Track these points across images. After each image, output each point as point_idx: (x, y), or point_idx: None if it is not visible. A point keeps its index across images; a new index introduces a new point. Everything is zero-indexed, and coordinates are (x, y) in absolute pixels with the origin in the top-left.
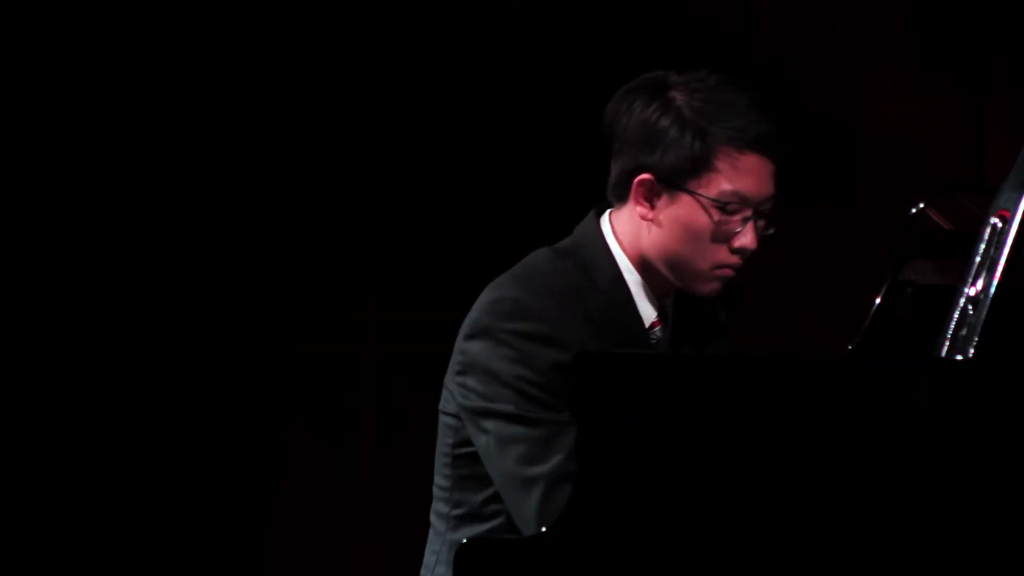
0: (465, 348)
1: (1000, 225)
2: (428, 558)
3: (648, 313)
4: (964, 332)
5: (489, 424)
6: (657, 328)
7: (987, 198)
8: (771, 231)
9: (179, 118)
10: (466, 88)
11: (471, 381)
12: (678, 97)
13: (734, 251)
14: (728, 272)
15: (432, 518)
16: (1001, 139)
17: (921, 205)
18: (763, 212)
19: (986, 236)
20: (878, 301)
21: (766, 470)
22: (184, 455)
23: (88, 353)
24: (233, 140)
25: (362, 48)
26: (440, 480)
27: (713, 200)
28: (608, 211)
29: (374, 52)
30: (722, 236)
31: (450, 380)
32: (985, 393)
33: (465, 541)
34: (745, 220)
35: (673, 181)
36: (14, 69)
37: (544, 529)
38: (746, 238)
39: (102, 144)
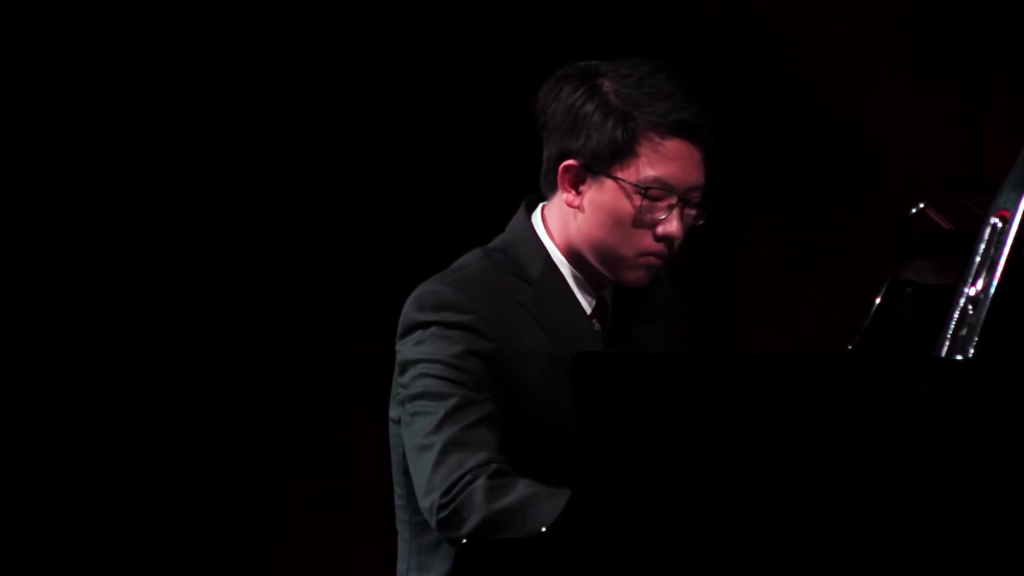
0: (399, 348)
1: (1000, 225)
2: (400, 566)
3: (585, 306)
4: (964, 332)
5: (410, 407)
6: (594, 320)
7: (987, 198)
8: (700, 221)
9: (179, 118)
10: (466, 88)
11: (404, 377)
12: (605, 83)
13: (658, 238)
14: (653, 260)
15: (398, 526)
16: (1001, 139)
17: (921, 205)
18: (690, 201)
19: (986, 236)
20: (878, 301)
21: (766, 470)
22: (184, 455)
23: (88, 353)
24: (233, 140)
25: (362, 48)
26: (397, 488)
27: (635, 185)
28: (541, 204)
29: (374, 52)
30: (646, 223)
31: (394, 384)
32: (985, 393)
33: (465, 541)
34: (670, 207)
35: (596, 166)
36: (14, 69)
37: (438, 492)
38: (670, 225)
39: (102, 144)
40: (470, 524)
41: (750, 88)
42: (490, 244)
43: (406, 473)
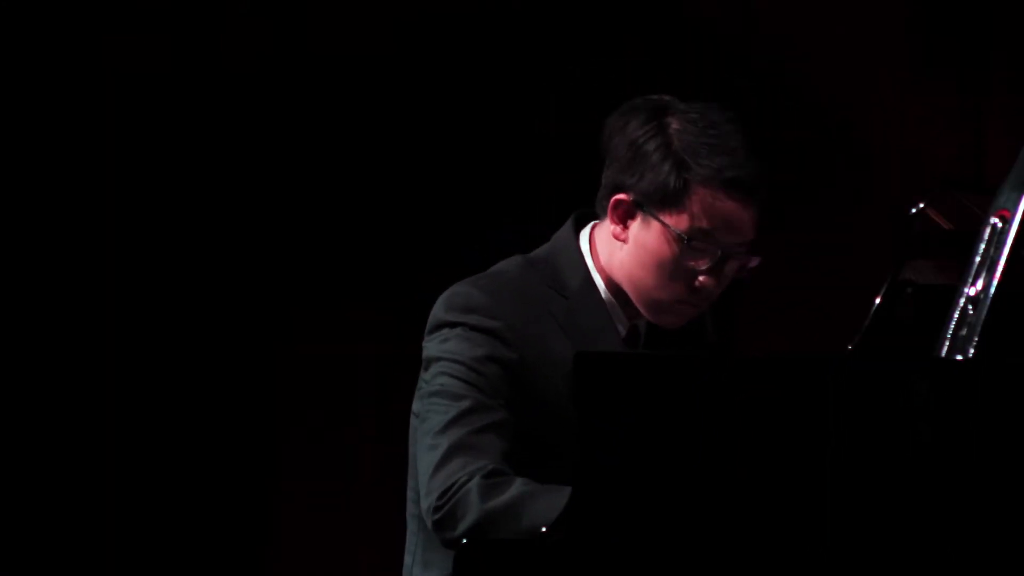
0: (425, 344)
1: (1000, 225)
2: (406, 559)
3: (618, 329)
4: (964, 332)
5: (427, 403)
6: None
7: (987, 198)
8: (744, 275)
9: (179, 118)
10: (466, 88)
11: (427, 374)
12: (672, 123)
13: (695, 289)
14: (689, 308)
15: (407, 519)
16: (1001, 139)
17: (921, 205)
18: (735, 255)
19: (986, 236)
20: (878, 301)
21: (766, 470)
22: (184, 455)
23: (88, 353)
24: (233, 140)
25: (362, 48)
26: (411, 481)
27: (679, 234)
28: (592, 224)
29: (374, 52)
30: (685, 272)
31: (419, 380)
32: (985, 393)
33: (465, 541)
34: (713, 260)
35: (647, 206)
36: (14, 69)
37: (435, 493)
38: (709, 278)
39: (102, 144)
40: (465, 523)
41: (750, 88)
42: (532, 253)
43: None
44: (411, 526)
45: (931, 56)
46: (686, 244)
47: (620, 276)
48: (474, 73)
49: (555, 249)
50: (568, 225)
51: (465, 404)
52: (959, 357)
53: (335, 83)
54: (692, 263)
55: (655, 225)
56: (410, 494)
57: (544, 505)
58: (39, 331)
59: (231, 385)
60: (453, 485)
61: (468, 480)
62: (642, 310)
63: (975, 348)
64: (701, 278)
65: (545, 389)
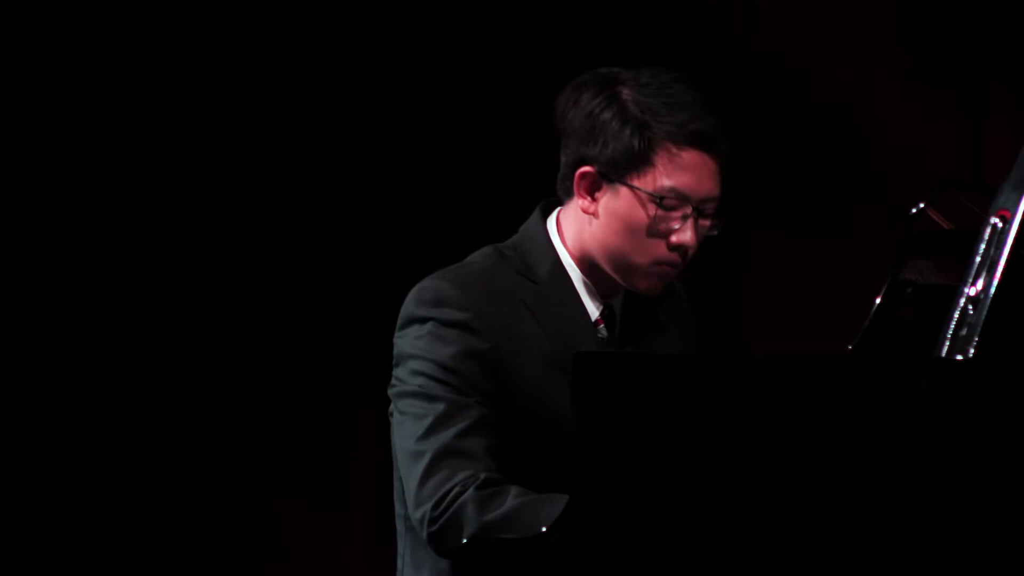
0: (396, 340)
1: (1000, 225)
2: (398, 562)
3: (591, 311)
4: (964, 332)
5: (401, 404)
6: (601, 326)
7: (987, 198)
8: (715, 231)
9: (179, 118)
10: (466, 88)
11: (399, 370)
12: (624, 91)
13: (672, 248)
14: (667, 269)
15: (396, 521)
16: (1001, 139)
17: (921, 205)
18: (705, 211)
19: (986, 236)
20: (878, 301)
21: (766, 471)
22: (182, 455)
23: (88, 353)
24: (233, 140)
25: (362, 48)
26: (395, 482)
27: (651, 194)
28: (557, 209)
29: (374, 52)
30: (660, 232)
31: (392, 377)
32: (985, 393)
33: (465, 541)
34: (684, 217)
35: (613, 174)
36: (14, 69)
37: (428, 504)
38: (684, 235)
39: (102, 144)
40: (463, 537)
41: (750, 88)
42: (502, 243)
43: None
44: (399, 528)
45: (931, 56)
46: (658, 203)
47: (593, 249)
48: (474, 73)
49: (523, 237)
50: (536, 213)
51: (442, 407)
52: (959, 357)
53: (335, 83)
54: (665, 223)
55: (623, 191)
56: (396, 494)
57: (542, 515)
58: (40, 331)
59: (230, 385)
60: (447, 497)
61: (462, 491)
62: (620, 280)
63: (975, 348)
64: (675, 236)
65: (520, 376)
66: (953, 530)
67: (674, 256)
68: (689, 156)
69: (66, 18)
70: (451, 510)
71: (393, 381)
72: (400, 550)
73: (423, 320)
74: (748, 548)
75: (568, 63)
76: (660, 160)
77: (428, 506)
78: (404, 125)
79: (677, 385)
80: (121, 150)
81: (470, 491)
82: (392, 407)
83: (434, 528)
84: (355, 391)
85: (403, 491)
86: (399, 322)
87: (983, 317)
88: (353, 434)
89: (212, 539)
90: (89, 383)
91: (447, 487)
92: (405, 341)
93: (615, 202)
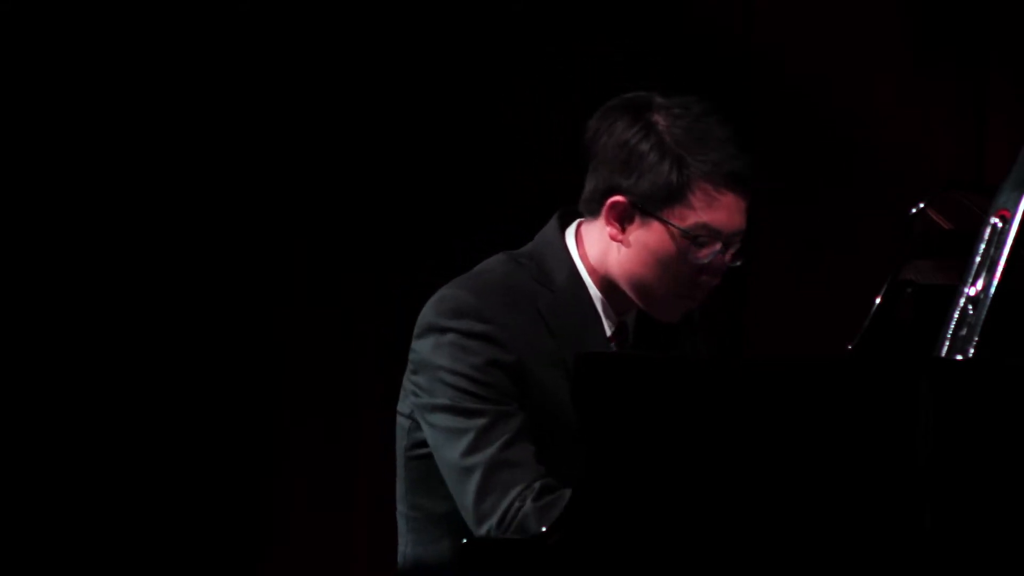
0: (415, 347)
1: (1000, 225)
2: (399, 559)
3: (605, 327)
4: (964, 332)
5: (434, 418)
6: (613, 344)
7: (987, 198)
8: (738, 262)
9: (179, 118)
10: (466, 88)
11: (420, 379)
12: (660, 121)
13: (698, 283)
14: (689, 302)
15: (397, 517)
16: (1001, 139)
17: (921, 205)
18: (731, 245)
19: (986, 236)
20: (878, 301)
21: (766, 471)
22: (183, 454)
23: (88, 353)
24: (233, 140)
25: (361, 48)
26: (398, 482)
27: (684, 231)
28: (577, 221)
29: (374, 52)
30: (689, 266)
31: (406, 380)
32: (985, 393)
33: (465, 541)
34: (713, 253)
35: (647, 207)
36: (14, 69)
37: (491, 521)
38: (712, 271)
39: (103, 144)
40: None
41: (750, 88)
42: (517, 250)
43: (407, 468)
44: (401, 526)
45: (931, 56)
46: (691, 240)
47: (618, 275)
48: (474, 73)
49: (540, 245)
50: (553, 222)
51: (483, 420)
52: (959, 357)
53: (335, 83)
54: (695, 258)
55: (656, 225)
56: (399, 493)
57: None
58: (39, 332)
59: (232, 384)
60: (508, 512)
61: (522, 505)
62: (643, 306)
63: (975, 348)
64: (703, 271)
65: (541, 387)
66: (953, 530)
67: (698, 290)
68: (724, 195)
69: (66, 18)
70: (514, 525)
71: (413, 388)
72: (401, 548)
73: (443, 330)
74: (749, 548)
75: (569, 63)
76: (696, 198)
77: (492, 523)
78: (404, 125)
79: (677, 386)
80: (122, 150)
81: (528, 503)
82: (404, 407)
83: None
84: (355, 391)
85: (406, 490)
86: (417, 329)
87: (983, 317)
88: (354, 433)
89: (213, 538)
90: (90, 383)
91: (507, 503)
92: (425, 349)
93: (646, 235)
